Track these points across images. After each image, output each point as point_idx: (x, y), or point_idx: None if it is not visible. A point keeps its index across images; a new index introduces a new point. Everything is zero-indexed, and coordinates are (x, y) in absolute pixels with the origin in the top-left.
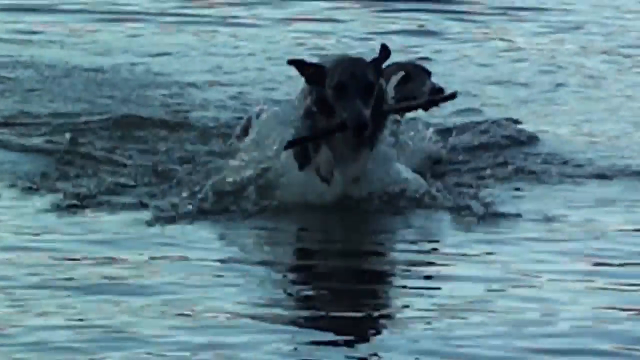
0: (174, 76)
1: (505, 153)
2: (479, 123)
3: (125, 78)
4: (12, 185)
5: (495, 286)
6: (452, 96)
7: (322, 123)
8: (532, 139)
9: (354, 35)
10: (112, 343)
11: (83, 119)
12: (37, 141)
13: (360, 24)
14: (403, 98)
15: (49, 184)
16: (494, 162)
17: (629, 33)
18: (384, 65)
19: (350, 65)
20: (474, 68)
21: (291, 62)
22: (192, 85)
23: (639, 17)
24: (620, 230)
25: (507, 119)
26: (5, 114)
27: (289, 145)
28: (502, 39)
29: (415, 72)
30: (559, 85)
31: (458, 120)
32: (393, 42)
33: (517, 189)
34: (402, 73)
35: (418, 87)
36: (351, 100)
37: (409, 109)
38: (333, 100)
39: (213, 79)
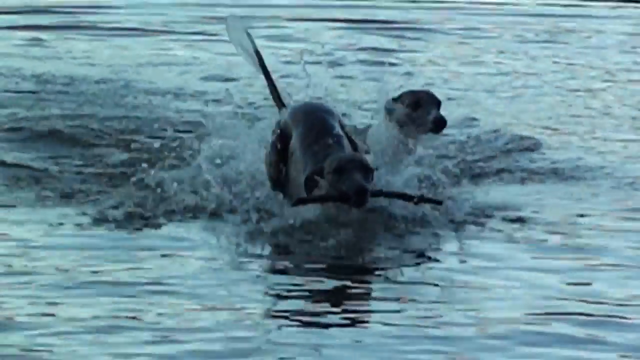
0: (160, 89)
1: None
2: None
3: (108, 89)
4: None
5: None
6: (440, 202)
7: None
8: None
9: (325, 51)
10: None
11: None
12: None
13: (331, 39)
14: (410, 123)
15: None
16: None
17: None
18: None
19: (347, 154)
20: (452, 81)
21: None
22: (174, 97)
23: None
24: None
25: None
26: None
27: (296, 203)
28: (466, 55)
29: (426, 100)
30: (540, 94)
31: (457, 131)
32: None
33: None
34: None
35: (424, 115)
36: (350, 175)
37: (399, 197)
38: (334, 184)
39: (193, 91)
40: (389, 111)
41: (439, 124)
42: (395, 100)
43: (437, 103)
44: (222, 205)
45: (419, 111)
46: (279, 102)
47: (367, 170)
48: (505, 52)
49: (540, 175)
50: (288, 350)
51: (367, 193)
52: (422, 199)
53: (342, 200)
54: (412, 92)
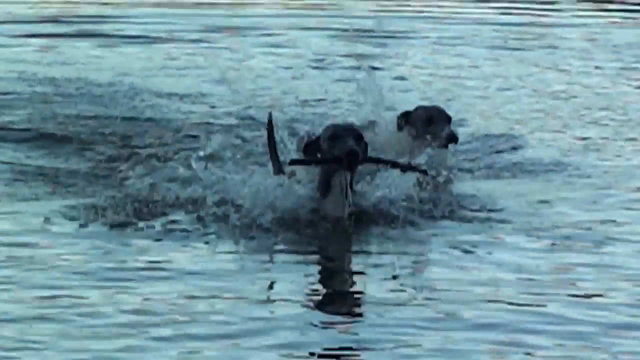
0: (163, 93)
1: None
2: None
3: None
4: None
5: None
6: (425, 172)
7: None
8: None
9: (315, 57)
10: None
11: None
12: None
13: (320, 46)
14: (423, 138)
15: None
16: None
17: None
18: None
19: (340, 123)
20: (434, 84)
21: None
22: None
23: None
24: None
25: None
26: None
27: (291, 163)
28: (443, 61)
29: (438, 117)
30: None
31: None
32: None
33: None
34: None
35: (438, 130)
36: (343, 140)
37: (387, 164)
38: (328, 150)
39: (189, 95)
40: (400, 124)
41: (451, 139)
42: (408, 114)
43: (448, 119)
44: (217, 199)
45: (432, 127)
46: (278, 168)
47: (359, 138)
48: (478, 58)
49: (514, 171)
50: (291, 329)
51: (358, 156)
52: (410, 168)
53: (334, 162)
54: (424, 109)
